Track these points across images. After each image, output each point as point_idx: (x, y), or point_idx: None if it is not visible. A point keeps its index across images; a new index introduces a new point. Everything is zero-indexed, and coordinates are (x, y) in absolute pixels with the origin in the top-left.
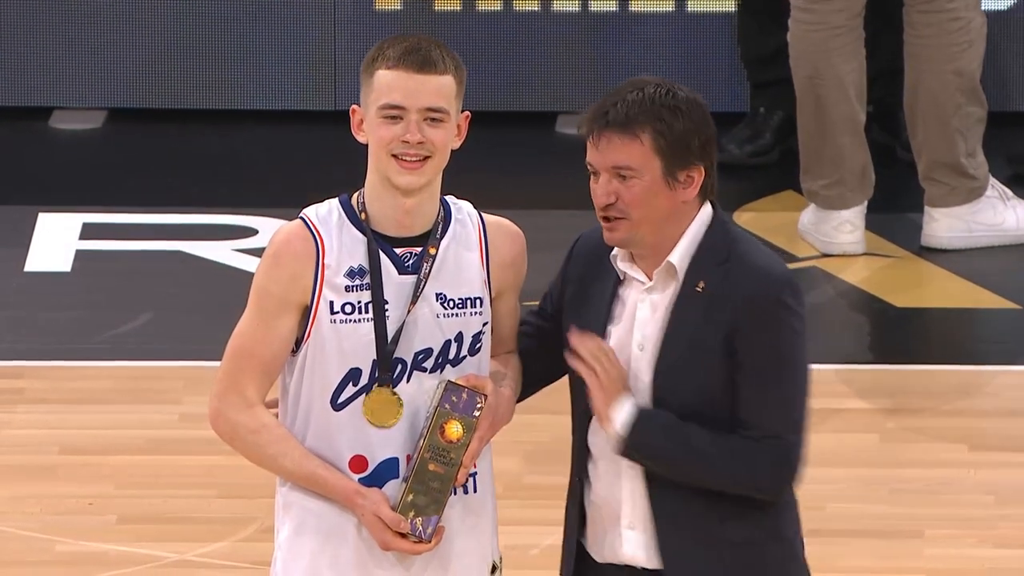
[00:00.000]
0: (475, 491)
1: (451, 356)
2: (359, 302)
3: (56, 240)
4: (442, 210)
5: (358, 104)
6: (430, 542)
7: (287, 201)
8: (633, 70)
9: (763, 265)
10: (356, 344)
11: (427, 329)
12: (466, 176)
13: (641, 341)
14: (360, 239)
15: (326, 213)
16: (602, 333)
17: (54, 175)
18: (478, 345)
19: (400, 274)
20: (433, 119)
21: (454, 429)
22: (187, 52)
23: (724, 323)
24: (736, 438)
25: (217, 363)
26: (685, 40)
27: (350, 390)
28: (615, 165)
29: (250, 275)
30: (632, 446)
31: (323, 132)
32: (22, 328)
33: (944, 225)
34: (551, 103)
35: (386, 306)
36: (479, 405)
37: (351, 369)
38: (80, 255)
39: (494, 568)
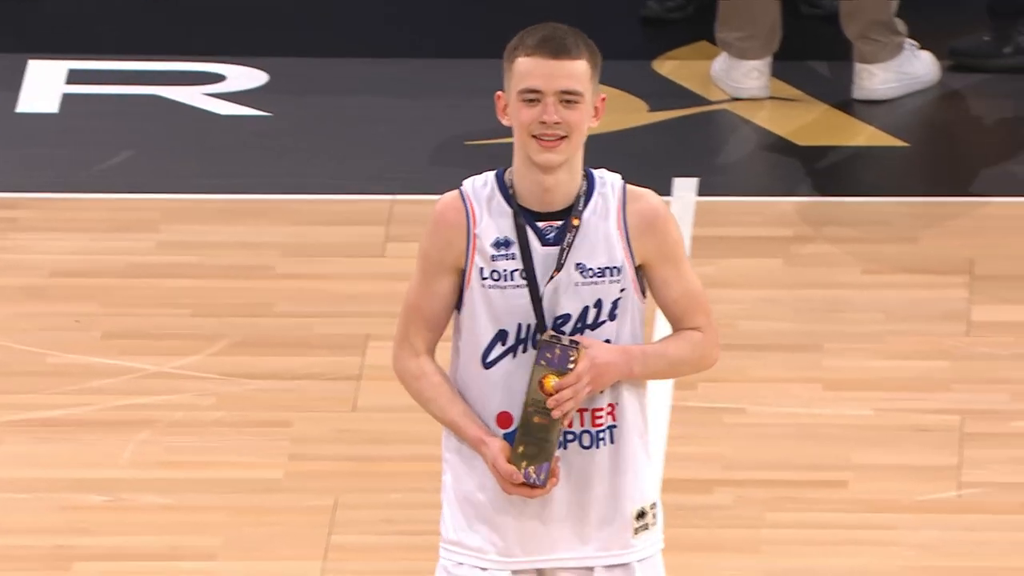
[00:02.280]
0: (611, 442)
1: (589, 321)
2: (504, 270)
3: (44, 85)
4: (585, 183)
5: (501, 90)
6: (544, 486)
7: (255, 50)
8: None
9: None
10: (502, 308)
11: (566, 296)
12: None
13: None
14: (507, 212)
15: (481, 186)
16: None
17: (42, 25)
18: (616, 311)
19: (543, 245)
20: (568, 101)
21: (551, 383)
22: None
23: None
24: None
25: (188, 195)
26: None
27: (499, 349)
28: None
29: (218, 116)
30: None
31: None
32: (15, 164)
33: (881, 79)
34: None
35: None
36: (572, 358)
37: (499, 331)
38: (67, 99)
39: (642, 513)
